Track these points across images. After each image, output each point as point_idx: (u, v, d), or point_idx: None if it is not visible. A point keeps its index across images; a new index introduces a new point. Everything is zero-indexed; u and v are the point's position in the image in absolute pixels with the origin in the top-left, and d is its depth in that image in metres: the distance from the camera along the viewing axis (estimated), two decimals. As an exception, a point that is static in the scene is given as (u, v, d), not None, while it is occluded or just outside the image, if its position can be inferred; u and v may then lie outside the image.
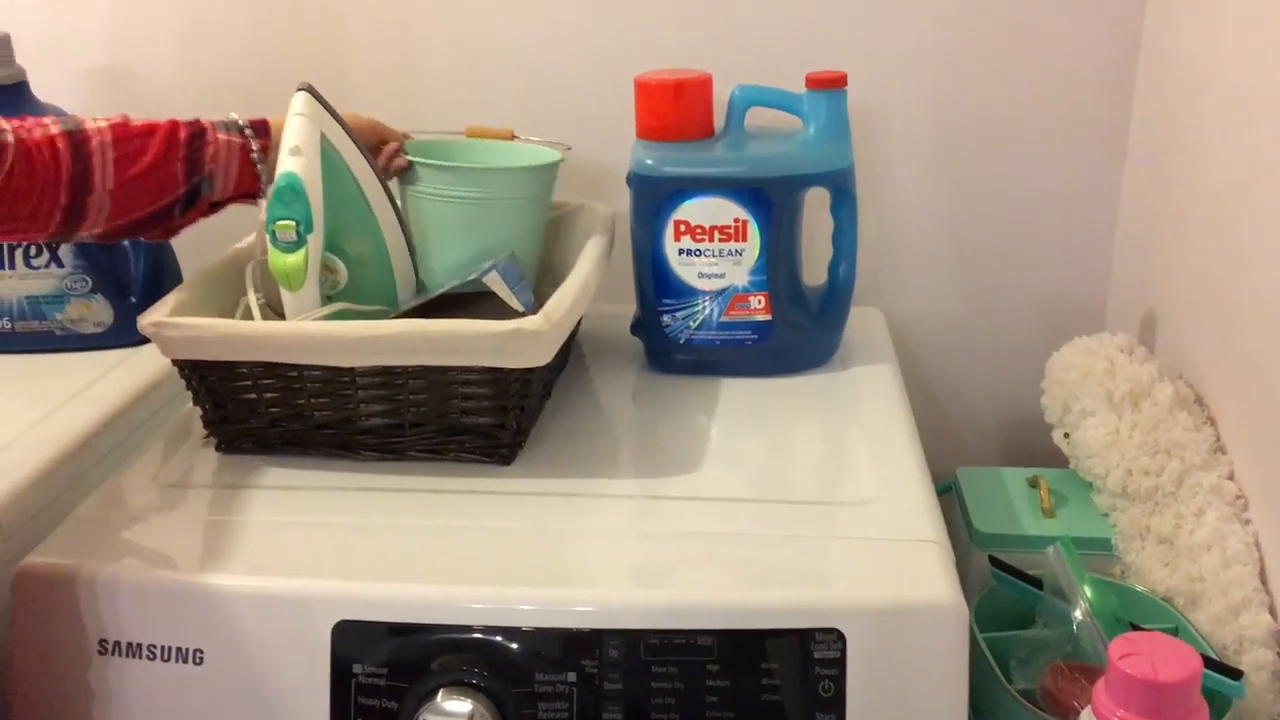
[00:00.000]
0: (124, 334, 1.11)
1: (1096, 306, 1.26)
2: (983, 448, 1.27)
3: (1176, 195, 1.10)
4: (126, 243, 1.12)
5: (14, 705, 0.78)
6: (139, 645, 0.76)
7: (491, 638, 0.73)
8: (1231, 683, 0.79)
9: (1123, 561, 0.97)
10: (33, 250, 1.09)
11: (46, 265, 1.09)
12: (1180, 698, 0.69)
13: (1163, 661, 0.70)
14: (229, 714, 0.75)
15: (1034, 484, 1.07)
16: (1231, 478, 0.96)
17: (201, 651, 0.75)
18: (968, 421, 1.27)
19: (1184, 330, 1.08)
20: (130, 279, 1.12)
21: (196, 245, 1.11)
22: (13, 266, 1.09)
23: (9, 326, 1.10)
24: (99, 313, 1.11)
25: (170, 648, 0.75)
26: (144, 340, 1.10)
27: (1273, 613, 0.88)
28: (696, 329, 1.06)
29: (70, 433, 0.95)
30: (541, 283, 1.09)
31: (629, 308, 1.10)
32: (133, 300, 1.11)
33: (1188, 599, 0.91)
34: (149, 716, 0.76)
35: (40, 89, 1.11)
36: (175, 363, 0.90)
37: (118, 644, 0.76)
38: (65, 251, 1.09)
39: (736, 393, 1.04)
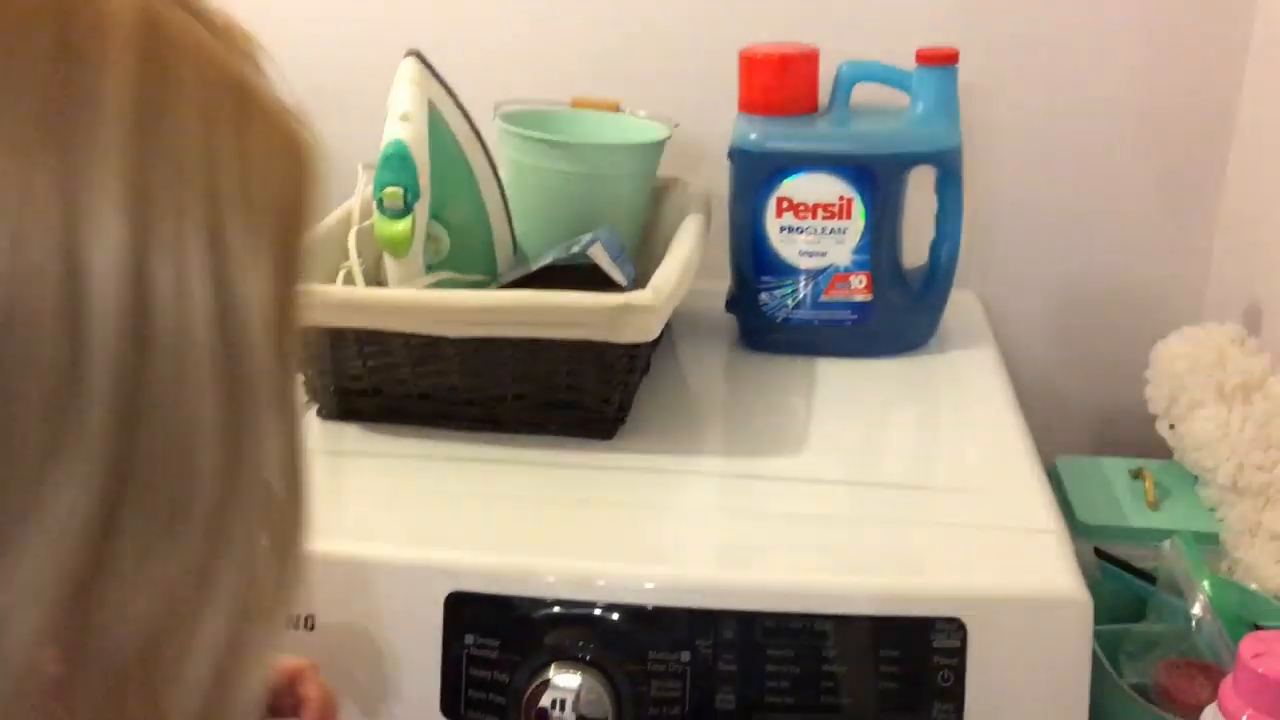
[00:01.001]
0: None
1: (1194, 295, 1.23)
2: (1077, 438, 1.24)
3: (1292, 183, 1.07)
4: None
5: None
6: (250, 610, 0.75)
7: (607, 614, 0.72)
8: (1361, 686, 0.77)
9: (1231, 557, 0.95)
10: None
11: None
12: (1317, 698, 0.67)
13: (1299, 662, 0.68)
14: (338, 681, 0.74)
15: (1137, 475, 1.04)
16: (1348, 475, 0.93)
17: (313, 617, 0.75)
18: (1060, 410, 1.24)
19: (1296, 322, 1.05)
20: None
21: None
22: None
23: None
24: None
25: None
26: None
27: (1391, 615, 0.85)
28: (795, 308, 1.04)
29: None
30: (639, 259, 1.07)
31: (718, 285, 1.09)
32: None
33: (1302, 598, 0.89)
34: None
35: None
36: (280, 328, 0.89)
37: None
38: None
39: (834, 373, 1.02)
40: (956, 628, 0.71)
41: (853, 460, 0.89)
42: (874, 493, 0.84)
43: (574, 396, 0.89)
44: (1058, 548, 0.76)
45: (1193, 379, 1.01)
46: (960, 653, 0.71)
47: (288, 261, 0.39)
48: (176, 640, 0.37)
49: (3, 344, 0.31)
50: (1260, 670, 0.67)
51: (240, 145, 0.38)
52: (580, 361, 0.87)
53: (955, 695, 0.71)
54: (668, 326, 1.12)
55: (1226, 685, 0.71)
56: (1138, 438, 1.10)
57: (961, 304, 1.17)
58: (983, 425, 0.93)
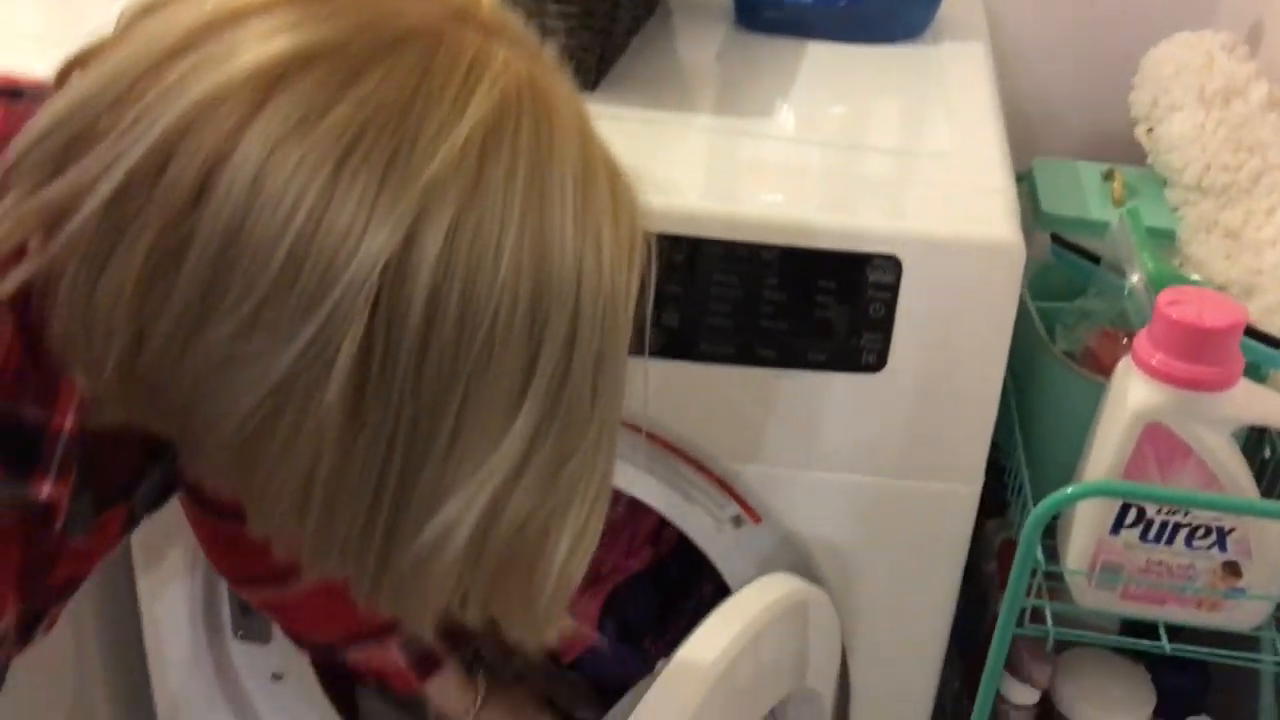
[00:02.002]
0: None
1: (1204, 13, 1.22)
2: (1063, 143, 1.26)
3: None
4: None
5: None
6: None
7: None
8: (1271, 351, 0.81)
9: (1184, 253, 0.98)
10: None
11: None
12: (1219, 345, 0.72)
13: (1209, 310, 0.72)
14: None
15: (1108, 176, 1.07)
16: (1310, 181, 0.95)
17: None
18: (1051, 115, 1.25)
19: (1292, 34, 1.05)
20: None
21: None
22: None
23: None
24: None
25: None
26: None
27: (1324, 309, 0.89)
28: (791, -16, 1.04)
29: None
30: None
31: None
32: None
33: (1243, 289, 0.92)
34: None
35: None
36: None
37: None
38: None
39: (824, 55, 1.03)
40: (892, 264, 0.75)
41: (831, 126, 0.91)
42: (842, 152, 0.87)
43: (560, 42, 0.90)
44: (1002, 204, 0.79)
45: (1176, 82, 1.02)
46: (893, 288, 0.76)
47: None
48: (553, 530, 0.49)
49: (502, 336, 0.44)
50: (1174, 316, 0.72)
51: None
52: (565, 4, 0.88)
53: (884, 326, 0.76)
54: (664, 3, 1.13)
55: (1141, 335, 0.76)
56: (1122, 148, 1.12)
57: (964, 3, 1.16)
58: (960, 109, 0.95)
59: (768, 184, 0.82)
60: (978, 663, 0.98)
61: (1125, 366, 0.77)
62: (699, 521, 0.84)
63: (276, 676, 0.96)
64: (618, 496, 1.13)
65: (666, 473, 0.83)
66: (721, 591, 0.84)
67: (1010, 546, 0.96)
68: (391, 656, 0.83)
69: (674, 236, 0.76)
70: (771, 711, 0.80)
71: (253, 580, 0.82)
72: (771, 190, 0.81)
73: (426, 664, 0.84)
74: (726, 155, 0.86)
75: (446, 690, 0.85)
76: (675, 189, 0.80)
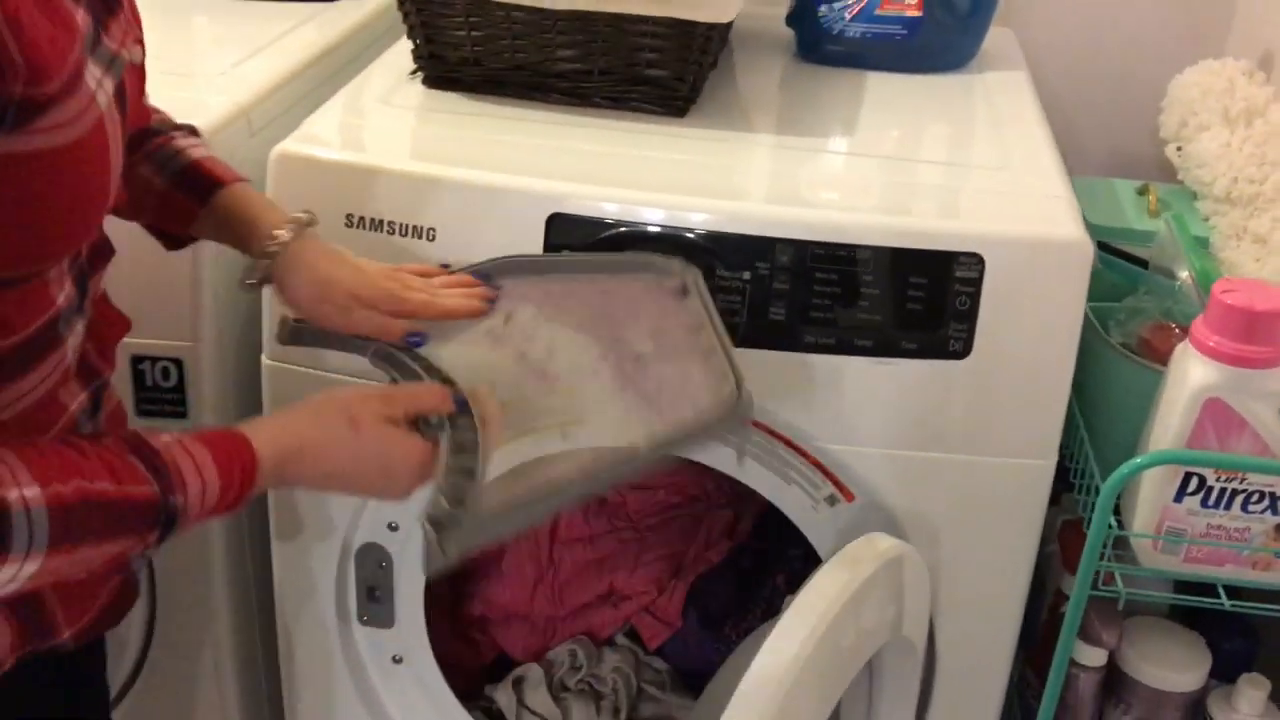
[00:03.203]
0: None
1: (1218, 39, 1.33)
2: (1095, 165, 1.36)
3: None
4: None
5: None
6: (381, 221, 0.89)
7: (683, 234, 0.86)
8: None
9: (1218, 258, 1.08)
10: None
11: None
12: (1270, 327, 0.81)
13: (1260, 297, 0.82)
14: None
15: (1143, 191, 1.17)
16: (1330, 191, 1.06)
17: (434, 230, 0.88)
18: (1083, 140, 1.36)
19: (1304, 61, 1.15)
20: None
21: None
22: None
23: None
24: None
25: (408, 225, 0.89)
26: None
27: (1349, 305, 0.99)
28: (851, 20, 1.14)
29: (268, 75, 1.06)
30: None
31: (775, 9, 1.19)
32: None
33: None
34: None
35: None
36: (395, -5, 1.00)
37: (363, 219, 0.89)
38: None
39: (882, 84, 1.13)
40: (976, 261, 0.85)
41: (897, 144, 1.01)
42: (911, 166, 0.97)
43: (654, 74, 1.00)
44: (1067, 207, 0.89)
45: (1202, 104, 1.12)
46: (977, 283, 0.85)
47: None
48: None
49: None
50: (1229, 301, 0.82)
51: None
52: (663, 39, 0.98)
53: (970, 317, 0.86)
54: (729, 40, 1.23)
55: (1198, 320, 0.85)
56: (1148, 167, 1.22)
57: (999, 39, 1.27)
58: (1011, 127, 1.05)
59: (864, 194, 0.92)
60: (1046, 634, 1.06)
61: (1183, 350, 0.86)
62: (797, 501, 0.93)
63: (397, 660, 1.03)
64: (692, 495, 1.22)
65: (767, 456, 0.91)
66: (797, 580, 0.92)
67: (1071, 526, 1.05)
68: None
69: (783, 239, 0.85)
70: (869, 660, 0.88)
71: None
72: (868, 199, 0.91)
73: None
74: (826, 171, 0.96)
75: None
76: (779, 198, 0.90)
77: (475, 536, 0.70)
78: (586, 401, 0.79)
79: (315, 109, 0.98)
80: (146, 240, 0.84)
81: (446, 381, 0.78)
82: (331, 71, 1.14)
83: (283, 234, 0.78)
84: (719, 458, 0.93)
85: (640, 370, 0.80)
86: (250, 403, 0.97)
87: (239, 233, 0.80)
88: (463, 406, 0.75)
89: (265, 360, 0.94)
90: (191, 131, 0.84)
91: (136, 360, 0.95)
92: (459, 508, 0.69)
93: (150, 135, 0.80)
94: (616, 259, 0.86)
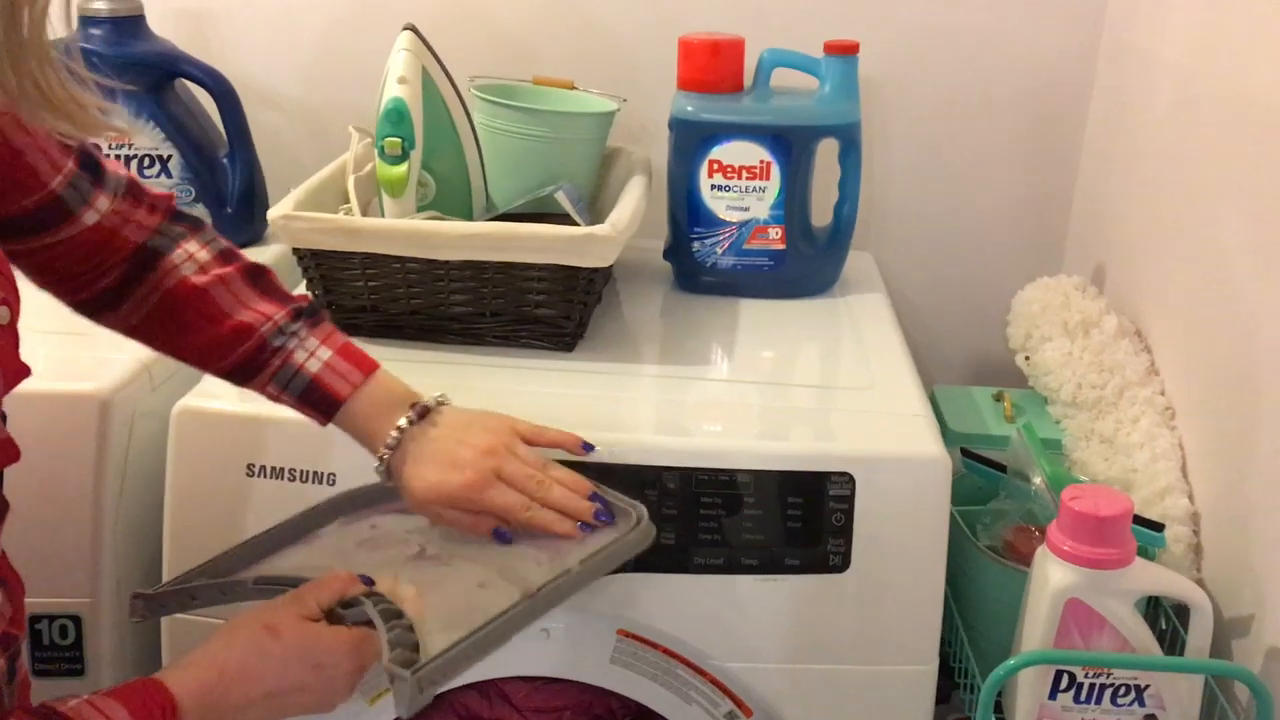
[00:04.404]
0: (222, 238, 1.27)
1: (1055, 257, 1.47)
2: (954, 373, 1.47)
3: (1125, 157, 1.30)
4: (224, 160, 1.28)
5: (170, 519, 0.94)
6: (281, 469, 0.93)
7: (573, 467, 0.91)
8: (1154, 534, 0.99)
9: (1070, 458, 1.17)
10: (146, 161, 1.25)
11: (157, 175, 1.25)
12: (1115, 530, 0.89)
13: (1104, 502, 0.90)
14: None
15: (998, 397, 1.26)
16: (1163, 393, 1.16)
17: (334, 475, 0.92)
18: (941, 351, 1.47)
19: (1128, 275, 1.28)
20: (227, 192, 1.28)
21: (277, 168, 1.29)
22: (129, 174, 1.25)
23: (122, 226, 1.26)
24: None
25: (308, 471, 0.92)
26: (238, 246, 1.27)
27: (1190, 498, 1.08)
28: (722, 255, 1.24)
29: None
30: (592, 214, 1.26)
31: (655, 242, 1.28)
32: (229, 210, 1.28)
33: (1123, 486, 1.11)
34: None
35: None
36: (296, 251, 1.07)
37: (263, 468, 0.93)
38: (175, 164, 1.25)
39: (754, 310, 1.22)
40: (847, 480, 0.91)
41: (769, 369, 1.09)
42: (785, 389, 1.05)
43: (541, 314, 1.07)
44: (926, 426, 0.97)
45: (1044, 318, 1.24)
46: (849, 500, 0.91)
47: None
48: None
49: None
50: (1076, 508, 0.89)
51: None
52: (548, 283, 1.05)
53: (845, 533, 0.92)
54: (614, 271, 1.32)
55: (1052, 526, 0.92)
56: (1006, 373, 1.33)
57: (860, 262, 1.38)
58: (874, 347, 1.14)
59: (743, 420, 0.98)
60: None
61: (1042, 554, 0.93)
62: (697, 719, 0.96)
63: None
64: (596, 716, 1.23)
65: (666, 676, 0.95)
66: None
67: (961, 724, 1.09)
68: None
69: (668, 468, 0.91)
70: None
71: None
72: (746, 425, 0.97)
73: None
74: (696, 398, 1.02)
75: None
76: (661, 428, 0.96)
77: (439, 675, 0.71)
78: (492, 559, 0.82)
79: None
80: (44, 495, 0.86)
81: None
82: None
83: (385, 457, 0.82)
84: (621, 680, 0.96)
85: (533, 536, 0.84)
86: (150, 659, 0.97)
87: (363, 446, 0.84)
88: (370, 584, 0.78)
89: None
90: (195, 229, 0.85)
91: (34, 620, 0.95)
92: (414, 657, 0.71)
93: (264, 350, 0.82)
94: None
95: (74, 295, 0.83)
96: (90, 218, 0.79)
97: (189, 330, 0.83)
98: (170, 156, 1.25)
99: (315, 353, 0.83)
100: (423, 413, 0.84)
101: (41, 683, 0.95)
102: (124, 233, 0.81)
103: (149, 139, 1.25)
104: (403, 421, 0.83)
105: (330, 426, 0.84)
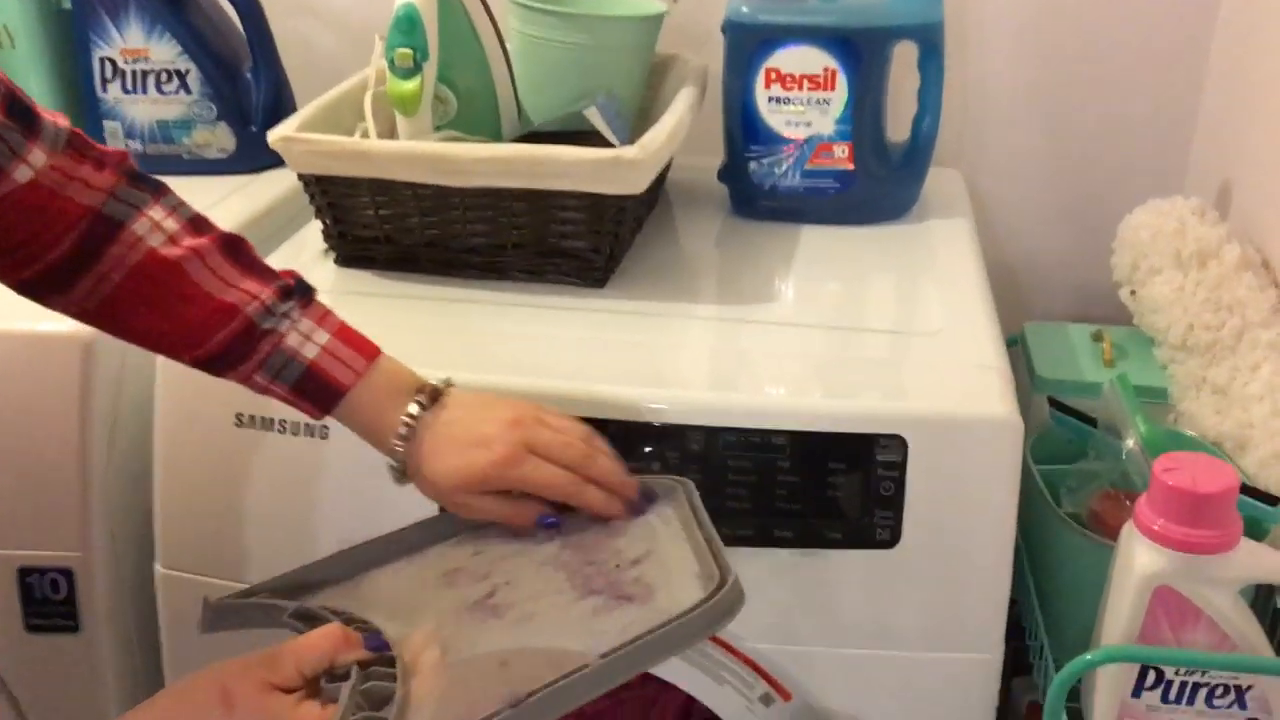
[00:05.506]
0: (246, 160, 1.19)
1: (1175, 179, 1.29)
2: (1051, 308, 1.32)
3: (1261, 69, 1.12)
4: (249, 74, 1.19)
5: (160, 471, 0.88)
6: (271, 420, 0.85)
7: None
8: (1269, 508, 0.85)
9: (1177, 410, 1.02)
10: (163, 76, 1.17)
11: (175, 91, 1.17)
12: (1217, 509, 0.75)
13: (1203, 476, 0.76)
14: (348, 485, 0.84)
15: (1098, 337, 1.12)
16: (1290, 336, 1.00)
17: (327, 428, 0.84)
18: (1038, 282, 1.32)
19: (1257, 198, 1.11)
20: (252, 108, 1.19)
21: (308, 80, 1.19)
22: (144, 90, 1.17)
23: (140, 149, 1.18)
24: (223, 139, 1.19)
25: (299, 424, 0.84)
26: (264, 167, 1.19)
27: (1316, 461, 0.92)
28: (782, 175, 1.11)
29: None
30: (637, 130, 1.14)
31: (716, 160, 1.16)
32: (254, 129, 1.19)
33: (1236, 444, 0.96)
34: (279, 482, 0.85)
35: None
36: (301, 177, 0.97)
37: (253, 417, 0.85)
38: (193, 79, 1.17)
39: (817, 239, 1.09)
40: (898, 444, 0.79)
41: (825, 310, 0.96)
42: (841, 334, 0.92)
43: (568, 245, 0.96)
44: (998, 380, 0.83)
45: (1153, 246, 1.08)
46: (901, 466, 0.79)
47: None
48: None
49: None
50: (1170, 482, 0.76)
51: None
52: (574, 212, 0.94)
53: (895, 504, 0.80)
54: (664, 194, 1.20)
55: (1141, 500, 0.79)
56: (1110, 310, 1.17)
57: (946, 180, 1.23)
58: (949, 283, 1.01)
59: (773, 370, 0.86)
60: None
61: (1129, 531, 0.79)
62: (729, 701, 0.86)
63: None
64: (647, 677, 1.15)
65: (695, 655, 0.85)
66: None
67: (1036, 709, 0.97)
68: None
69: (691, 426, 0.80)
70: None
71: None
72: (778, 376, 0.85)
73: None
74: (732, 344, 0.91)
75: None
76: (687, 380, 0.85)
77: None
78: (552, 614, 0.68)
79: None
80: (30, 449, 0.80)
81: (366, 628, 0.67)
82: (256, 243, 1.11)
83: (397, 450, 0.73)
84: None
85: (610, 578, 0.70)
86: (145, 613, 0.92)
87: (369, 440, 0.75)
88: (380, 647, 0.64)
89: (159, 569, 0.89)
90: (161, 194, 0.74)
91: (24, 573, 0.90)
92: None
93: (251, 334, 0.72)
94: None
95: (14, 274, 0.71)
96: (23, 174, 0.68)
97: (160, 313, 0.72)
98: (189, 71, 1.17)
99: (311, 336, 0.73)
100: (434, 396, 0.74)
101: (36, 638, 0.91)
102: (67, 193, 0.70)
103: (165, 52, 1.16)
104: (413, 408, 0.73)
105: None
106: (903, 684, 0.83)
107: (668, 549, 0.71)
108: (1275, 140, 1.08)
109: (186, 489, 0.88)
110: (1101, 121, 1.29)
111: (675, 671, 0.86)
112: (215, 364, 0.73)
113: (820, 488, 0.80)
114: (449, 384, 0.76)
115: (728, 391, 0.84)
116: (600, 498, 0.73)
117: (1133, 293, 1.11)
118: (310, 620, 0.68)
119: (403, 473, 0.74)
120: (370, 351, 0.74)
